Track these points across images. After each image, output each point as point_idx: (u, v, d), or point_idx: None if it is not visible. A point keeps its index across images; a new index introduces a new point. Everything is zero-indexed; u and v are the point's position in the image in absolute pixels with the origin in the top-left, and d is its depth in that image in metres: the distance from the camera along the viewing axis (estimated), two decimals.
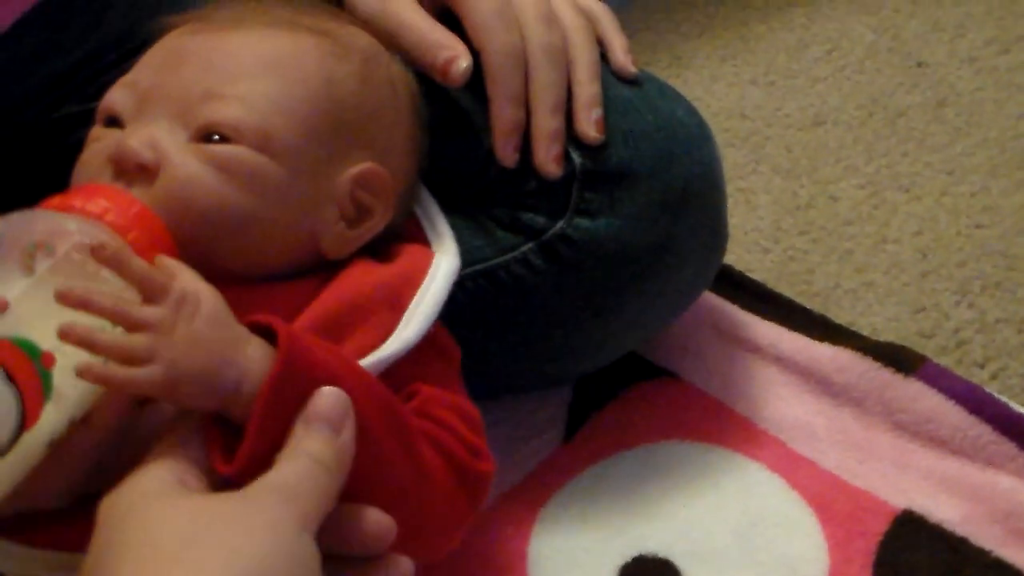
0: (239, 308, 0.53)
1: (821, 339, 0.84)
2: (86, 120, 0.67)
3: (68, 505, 0.53)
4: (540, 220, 0.72)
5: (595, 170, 0.70)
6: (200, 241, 0.57)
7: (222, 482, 0.50)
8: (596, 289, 0.72)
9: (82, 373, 0.49)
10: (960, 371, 0.85)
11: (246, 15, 0.63)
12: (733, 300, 0.88)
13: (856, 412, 0.81)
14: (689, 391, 0.83)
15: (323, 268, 0.62)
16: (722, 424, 0.81)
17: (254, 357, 0.51)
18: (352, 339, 0.58)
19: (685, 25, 1.28)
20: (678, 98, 0.75)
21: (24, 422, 0.48)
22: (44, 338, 0.50)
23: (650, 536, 0.74)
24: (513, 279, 0.73)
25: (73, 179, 0.61)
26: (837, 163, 1.07)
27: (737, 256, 0.97)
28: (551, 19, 0.70)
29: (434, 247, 0.66)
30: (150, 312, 0.51)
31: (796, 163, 1.07)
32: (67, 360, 0.50)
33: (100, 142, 0.60)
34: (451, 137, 0.72)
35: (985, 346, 0.88)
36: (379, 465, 0.53)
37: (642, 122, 0.72)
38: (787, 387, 0.83)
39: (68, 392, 0.51)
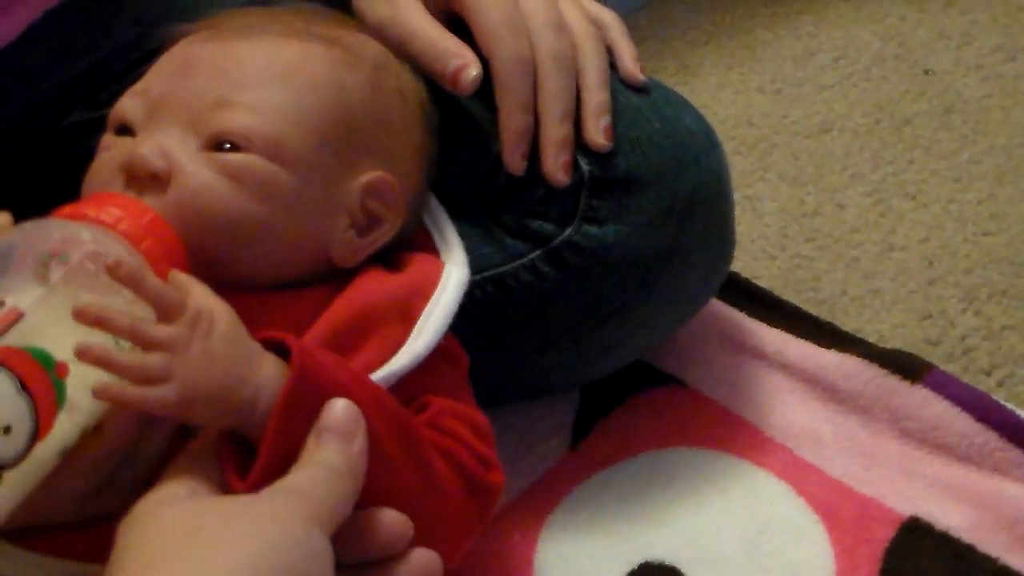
0: (250, 317, 0.54)
1: (828, 346, 0.84)
2: (96, 127, 0.67)
3: (78, 515, 0.53)
4: (548, 227, 0.72)
5: (603, 177, 0.71)
6: (211, 249, 0.58)
7: None
8: (604, 296, 0.73)
9: (98, 394, 0.50)
10: (967, 378, 0.85)
11: (257, 23, 0.64)
12: (740, 307, 0.89)
13: (863, 419, 0.81)
14: (696, 398, 0.83)
15: (333, 276, 0.62)
16: (729, 431, 0.81)
17: (268, 375, 0.52)
18: (363, 350, 0.58)
19: (692, 33, 1.28)
20: (685, 106, 0.76)
21: (38, 432, 0.49)
22: (58, 348, 0.50)
23: (657, 543, 0.74)
24: (521, 286, 0.73)
25: (84, 187, 0.61)
26: (844, 170, 1.07)
27: (744, 263, 0.97)
28: (560, 26, 0.71)
29: (443, 255, 0.66)
30: (165, 331, 0.51)
31: (803, 170, 1.08)
32: (81, 370, 0.51)
33: (111, 150, 0.61)
34: (460, 144, 0.72)
35: (992, 353, 0.88)
36: (390, 477, 0.54)
37: (650, 130, 0.72)
38: (794, 394, 0.83)
39: (81, 402, 0.51)
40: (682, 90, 1.19)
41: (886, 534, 0.74)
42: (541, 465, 0.79)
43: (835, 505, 0.76)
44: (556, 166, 0.70)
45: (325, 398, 0.52)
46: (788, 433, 0.81)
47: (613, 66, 0.74)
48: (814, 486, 0.77)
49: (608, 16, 0.76)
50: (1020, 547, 0.73)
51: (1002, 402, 0.80)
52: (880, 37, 1.23)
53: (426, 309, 0.60)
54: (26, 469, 0.49)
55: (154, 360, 0.50)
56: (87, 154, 0.64)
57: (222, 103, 0.59)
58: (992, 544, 0.73)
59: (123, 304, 0.53)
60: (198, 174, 0.58)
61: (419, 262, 0.64)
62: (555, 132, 0.69)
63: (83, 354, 0.49)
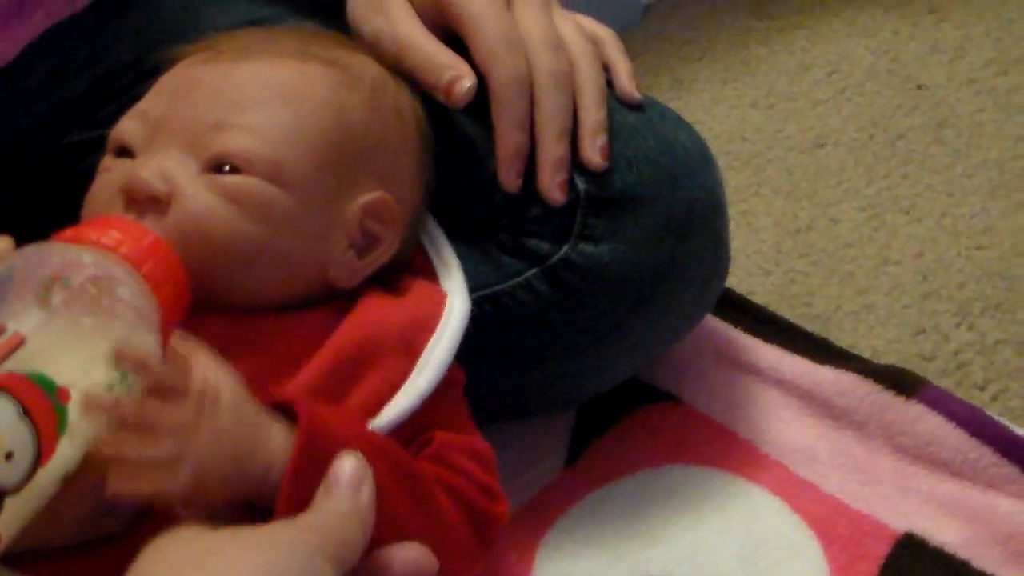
0: (252, 340, 0.54)
1: (822, 362, 0.85)
2: (94, 147, 0.68)
3: (79, 540, 0.54)
4: (544, 246, 0.72)
5: (599, 195, 0.71)
6: (212, 271, 0.58)
7: None
8: (600, 314, 0.73)
9: (114, 490, 0.50)
10: (960, 393, 0.85)
11: (255, 45, 0.64)
12: (735, 323, 0.89)
13: (858, 435, 0.81)
14: (691, 415, 0.84)
15: (333, 298, 0.62)
16: (725, 448, 0.81)
17: (277, 444, 0.53)
18: (366, 381, 0.59)
19: (686, 48, 1.29)
20: (680, 123, 0.76)
21: (40, 457, 0.49)
22: (60, 373, 0.50)
23: (654, 560, 0.74)
24: (518, 305, 0.73)
25: (84, 209, 0.62)
26: (838, 185, 1.08)
27: (739, 279, 0.97)
28: (557, 44, 0.71)
29: (441, 277, 0.66)
30: (173, 416, 0.51)
31: (797, 185, 1.08)
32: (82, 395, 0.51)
33: (111, 172, 0.61)
34: (456, 164, 0.73)
35: (985, 368, 0.88)
36: (395, 523, 0.54)
37: (645, 147, 0.72)
38: (789, 410, 0.83)
39: (82, 427, 0.51)
40: (676, 105, 1.20)
41: (881, 550, 0.74)
42: (538, 483, 0.79)
43: (830, 521, 0.76)
44: (552, 185, 0.70)
45: (332, 457, 0.52)
46: (783, 449, 0.81)
47: (610, 83, 0.74)
48: (809, 503, 0.77)
49: (604, 33, 0.76)
50: (1015, 562, 0.73)
51: (996, 417, 0.80)
52: (873, 52, 1.24)
53: (429, 344, 0.61)
54: (28, 495, 0.49)
55: (164, 448, 0.50)
56: (86, 173, 0.64)
57: (222, 125, 0.59)
58: (987, 560, 0.73)
59: (124, 329, 0.53)
60: (198, 197, 0.58)
61: (420, 289, 0.64)
62: (552, 151, 0.70)
63: (98, 447, 0.50)
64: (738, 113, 1.19)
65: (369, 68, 0.66)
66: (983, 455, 0.78)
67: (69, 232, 0.56)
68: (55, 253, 0.54)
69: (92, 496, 0.53)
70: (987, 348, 0.90)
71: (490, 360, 0.74)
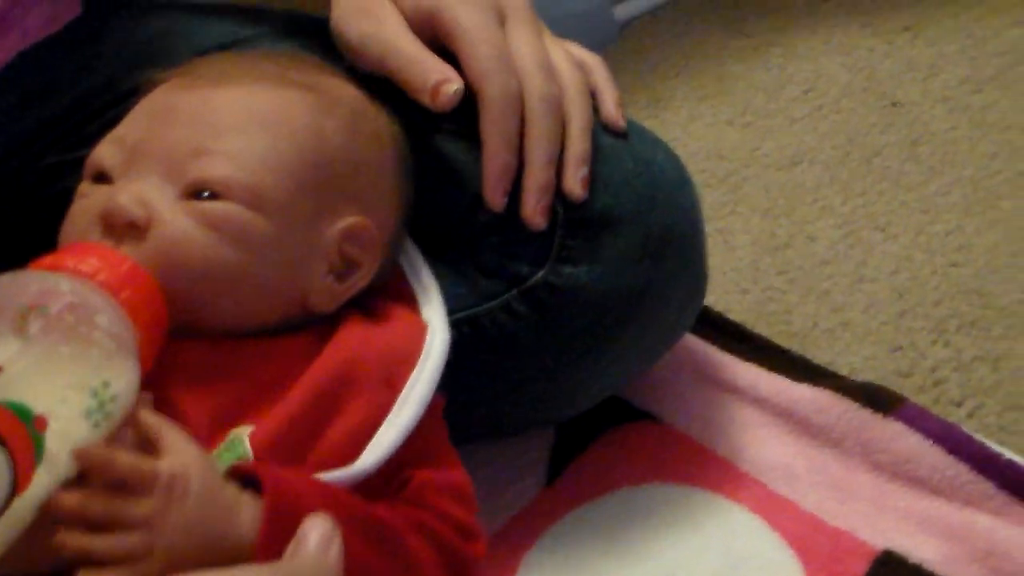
0: (232, 366, 0.54)
1: (800, 380, 0.85)
2: (70, 170, 0.67)
3: (58, 567, 0.53)
4: (523, 268, 0.72)
5: (577, 217, 0.71)
6: (191, 297, 0.58)
7: None
8: (579, 335, 0.73)
9: None
10: (937, 410, 0.86)
11: (233, 70, 0.64)
12: (712, 341, 0.89)
13: (836, 453, 0.82)
14: (670, 433, 0.84)
15: (313, 323, 0.62)
16: (703, 466, 0.81)
17: (247, 523, 0.53)
18: (346, 414, 0.59)
19: (662, 66, 1.30)
20: (658, 143, 0.76)
21: (16, 487, 0.49)
22: (37, 401, 0.50)
23: None
24: (496, 326, 0.73)
25: (62, 235, 0.61)
26: (814, 203, 1.08)
27: (716, 297, 0.98)
28: (550, 69, 0.71)
29: (421, 303, 0.66)
30: (141, 509, 0.51)
31: (774, 203, 1.09)
32: (59, 423, 0.51)
33: (89, 198, 0.61)
34: (436, 183, 0.73)
35: (962, 385, 0.89)
36: None
37: (623, 168, 0.72)
38: (767, 428, 0.84)
39: (60, 455, 0.51)
40: (653, 123, 1.21)
41: (860, 568, 0.75)
42: (517, 503, 0.80)
43: (809, 539, 0.77)
44: (536, 210, 0.70)
45: (299, 522, 0.53)
46: (762, 467, 0.81)
47: (596, 110, 0.74)
48: (788, 520, 0.78)
49: (592, 60, 0.76)
50: None
51: (972, 434, 0.81)
52: (849, 69, 1.25)
53: (410, 380, 0.61)
54: (4, 524, 0.49)
55: (133, 540, 0.51)
56: (62, 195, 0.64)
57: (200, 151, 0.59)
58: None
59: (102, 357, 0.53)
60: (176, 223, 0.58)
61: (400, 318, 0.64)
62: (539, 176, 0.69)
63: (62, 544, 0.50)
64: (715, 131, 1.19)
65: (347, 92, 0.66)
66: (960, 472, 0.78)
67: (47, 260, 0.56)
68: (32, 281, 0.54)
69: None
70: (963, 365, 0.90)
71: (468, 381, 0.74)
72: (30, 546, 0.51)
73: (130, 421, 0.54)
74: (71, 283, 0.54)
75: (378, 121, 0.67)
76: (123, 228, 0.58)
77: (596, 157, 0.72)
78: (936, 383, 0.89)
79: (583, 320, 0.73)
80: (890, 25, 1.30)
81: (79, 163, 0.65)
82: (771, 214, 1.07)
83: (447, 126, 0.73)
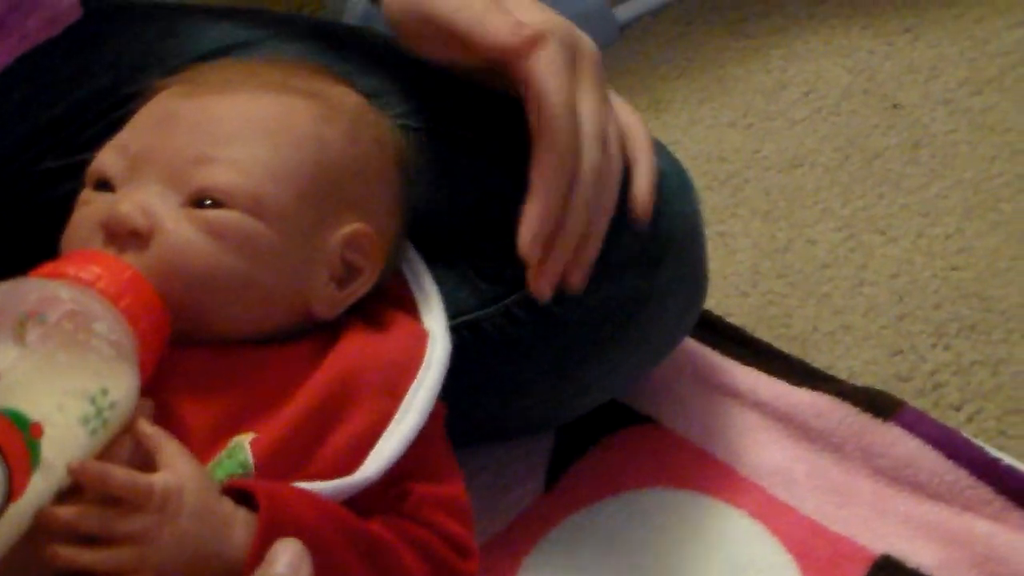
0: (235, 374, 0.54)
1: (800, 384, 0.85)
2: (69, 174, 0.68)
3: None
4: (524, 273, 0.72)
5: None
6: (193, 305, 0.58)
7: None
8: (580, 339, 0.73)
9: None
10: (936, 414, 0.86)
11: (235, 77, 0.64)
12: (712, 345, 0.89)
13: (835, 457, 0.82)
14: (670, 438, 0.84)
15: (315, 330, 0.63)
16: (703, 471, 0.81)
17: (240, 539, 0.53)
18: (348, 423, 0.59)
19: (663, 67, 1.30)
20: (659, 150, 0.76)
21: (11, 494, 0.49)
22: (34, 408, 0.50)
23: None
24: (497, 330, 0.73)
25: (64, 243, 0.62)
26: (814, 205, 1.08)
27: (716, 300, 0.98)
28: (607, 142, 0.67)
29: (422, 310, 0.67)
30: (135, 524, 0.51)
31: (774, 206, 1.09)
32: (56, 431, 0.51)
33: (90, 206, 0.61)
34: (438, 189, 0.73)
35: (961, 389, 0.89)
36: None
37: (624, 173, 0.72)
38: (767, 433, 0.84)
39: (56, 462, 0.51)
40: (654, 125, 1.21)
41: (858, 572, 0.75)
42: (516, 507, 0.80)
43: (808, 544, 0.77)
44: (547, 284, 0.67)
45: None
46: (761, 472, 0.81)
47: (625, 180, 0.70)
48: (788, 525, 0.78)
49: (637, 126, 0.72)
50: None
51: (971, 438, 0.81)
52: (849, 71, 1.25)
53: (411, 389, 0.61)
54: (0, 530, 0.49)
55: (125, 554, 0.51)
56: (61, 199, 0.64)
57: (203, 159, 0.60)
58: None
59: (100, 364, 0.53)
60: (180, 231, 0.58)
61: (401, 326, 0.64)
62: (563, 252, 0.66)
63: (55, 555, 0.50)
64: (715, 133, 1.19)
65: (349, 99, 0.66)
66: (959, 477, 0.78)
67: (47, 267, 0.56)
68: (32, 289, 0.54)
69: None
70: (963, 369, 0.90)
71: (469, 386, 0.74)
72: (24, 555, 0.51)
73: (129, 428, 0.54)
74: (70, 291, 0.54)
75: (379, 127, 0.67)
76: (126, 236, 0.58)
77: None
78: (936, 387, 0.89)
79: (584, 325, 0.73)
80: (890, 27, 1.30)
81: (79, 167, 0.65)
82: (771, 217, 1.07)
83: (448, 130, 0.73)
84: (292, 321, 0.62)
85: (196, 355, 0.59)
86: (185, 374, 0.58)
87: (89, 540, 0.51)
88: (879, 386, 0.87)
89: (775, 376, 0.86)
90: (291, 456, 0.57)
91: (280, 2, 1.32)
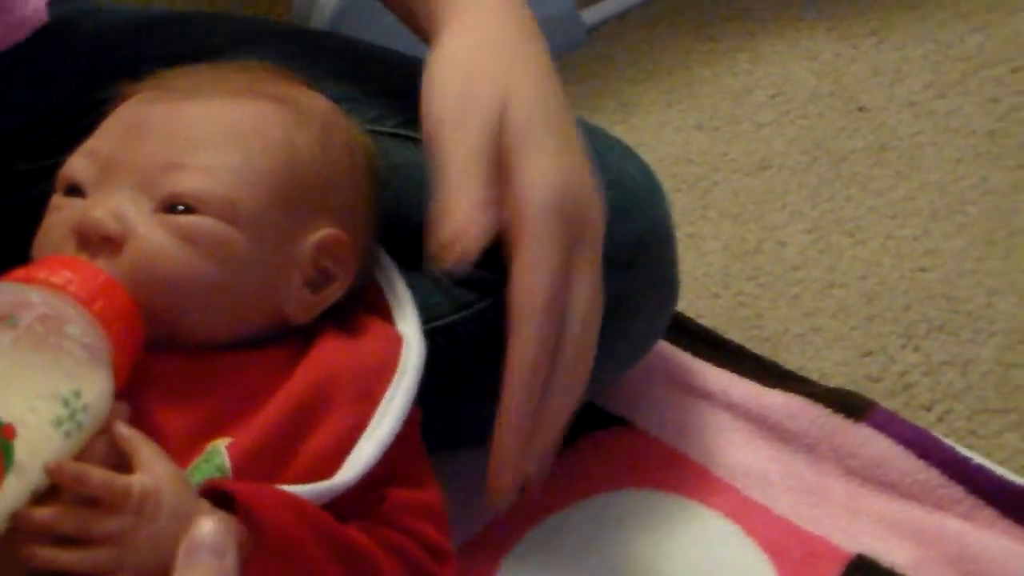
0: (209, 377, 0.54)
1: (772, 385, 0.86)
2: (38, 177, 0.67)
3: None
4: (496, 277, 0.72)
5: None
6: (166, 310, 0.58)
7: None
8: None
9: None
10: (907, 414, 0.87)
11: (205, 83, 0.64)
12: (684, 347, 0.90)
13: (808, 458, 0.82)
14: (644, 439, 0.84)
15: (290, 335, 0.62)
16: (677, 472, 0.82)
17: None
18: (324, 427, 0.59)
19: (631, 71, 1.30)
20: (629, 153, 0.77)
21: None
22: (5, 410, 0.50)
23: None
24: (471, 335, 0.73)
25: (35, 249, 0.61)
26: (783, 208, 1.09)
27: (688, 302, 0.98)
28: (590, 328, 0.62)
29: (396, 315, 0.66)
30: (111, 524, 0.51)
31: (743, 208, 1.09)
32: (29, 432, 0.51)
33: (62, 212, 0.61)
34: (408, 194, 0.73)
35: (931, 389, 0.90)
36: None
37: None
38: (740, 433, 0.84)
39: (30, 464, 0.51)
40: (622, 128, 1.22)
41: (833, 572, 0.75)
42: (492, 510, 0.79)
43: (783, 544, 0.77)
44: (505, 492, 0.63)
45: (275, 544, 0.53)
46: (735, 473, 0.82)
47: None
48: (762, 525, 0.78)
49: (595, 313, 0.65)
50: None
51: (942, 438, 0.81)
52: (816, 74, 1.26)
53: (387, 394, 0.61)
54: None
55: (102, 555, 0.51)
56: (32, 202, 0.64)
57: (174, 165, 0.59)
58: None
59: (73, 366, 0.53)
60: (152, 237, 0.58)
61: (376, 331, 0.64)
62: (530, 454, 0.62)
63: (32, 556, 0.50)
64: (683, 136, 1.20)
65: (319, 104, 0.66)
66: (930, 477, 0.79)
67: (19, 272, 0.56)
68: (3, 293, 0.54)
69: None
70: (932, 369, 0.91)
71: (443, 390, 0.74)
72: (1, 556, 0.51)
73: (104, 430, 0.54)
74: (42, 294, 0.54)
75: (349, 133, 0.67)
76: (98, 242, 0.58)
77: None
78: (905, 387, 0.90)
79: None
80: (855, 30, 1.31)
81: (49, 171, 0.64)
82: (740, 219, 1.08)
83: (417, 136, 0.73)
84: (266, 326, 0.62)
85: (171, 361, 0.58)
86: (160, 380, 0.58)
87: (67, 541, 0.51)
88: (850, 387, 0.88)
89: (747, 377, 0.87)
90: (268, 460, 0.57)
91: (249, 7, 1.32)
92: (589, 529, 0.78)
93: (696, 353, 0.90)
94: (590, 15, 1.36)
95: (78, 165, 0.62)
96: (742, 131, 1.19)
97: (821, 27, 1.32)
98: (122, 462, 0.53)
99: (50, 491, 0.52)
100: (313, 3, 1.21)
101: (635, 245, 0.73)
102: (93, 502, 0.51)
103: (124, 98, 0.65)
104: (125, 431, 0.53)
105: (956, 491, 0.78)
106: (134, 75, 0.69)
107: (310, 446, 0.58)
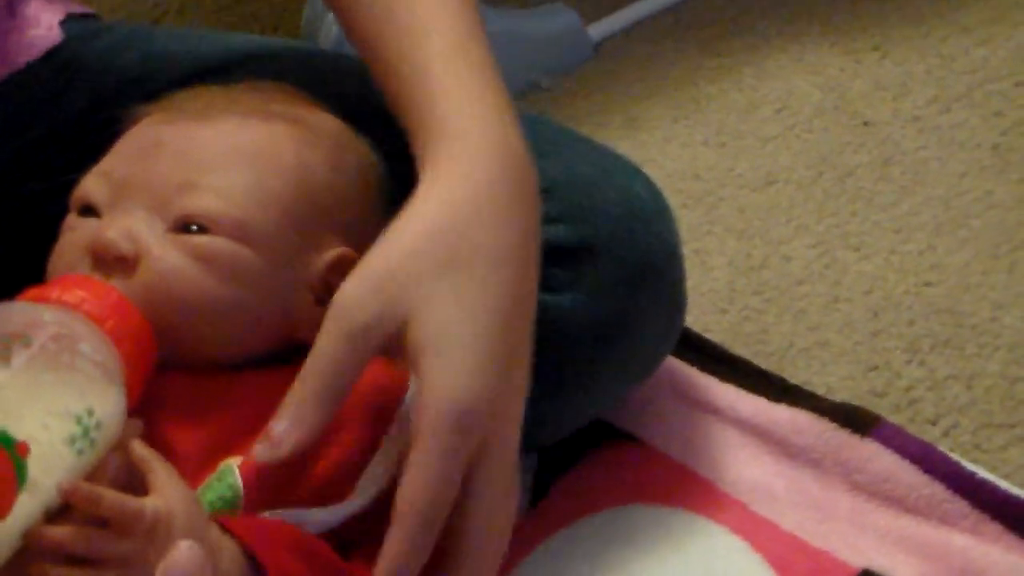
0: (222, 396, 0.55)
1: (778, 400, 0.86)
2: (51, 196, 0.68)
3: None
4: None
5: (557, 246, 0.72)
6: (179, 330, 0.58)
7: None
8: (560, 363, 0.73)
9: None
10: (913, 429, 0.87)
11: (217, 104, 0.65)
12: (691, 362, 0.90)
13: (814, 473, 0.82)
14: (651, 454, 0.84)
15: (301, 353, 0.62)
16: (684, 487, 0.82)
17: (225, 571, 0.53)
18: (336, 445, 0.59)
19: (637, 86, 1.31)
20: (636, 173, 0.77)
21: None
22: (20, 427, 0.51)
23: None
24: None
25: (50, 269, 0.62)
26: (788, 223, 1.09)
27: (694, 317, 0.98)
28: (492, 542, 0.61)
29: None
30: (123, 547, 0.51)
31: (749, 224, 1.10)
32: (42, 449, 0.51)
33: (76, 232, 0.61)
34: None
35: (936, 404, 0.90)
36: None
37: (602, 199, 0.73)
38: (746, 449, 0.85)
39: (43, 481, 0.51)
40: (628, 144, 1.22)
41: None
42: None
43: (789, 559, 0.77)
44: None
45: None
46: (742, 488, 0.82)
47: None
48: (769, 540, 0.78)
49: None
50: None
51: (947, 453, 0.82)
52: (820, 88, 1.26)
53: (399, 413, 0.61)
54: None
55: None
56: (45, 221, 0.64)
57: (187, 185, 0.60)
58: None
59: (86, 383, 0.54)
60: (166, 257, 0.59)
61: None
62: None
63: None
64: (690, 151, 1.20)
65: (330, 124, 0.67)
66: (936, 491, 0.79)
67: (33, 291, 0.56)
68: (17, 312, 0.55)
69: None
70: (937, 384, 0.91)
71: None
72: (13, 573, 0.51)
73: (118, 447, 0.54)
74: (55, 313, 0.55)
75: (360, 152, 0.68)
76: (112, 262, 0.59)
77: (576, 187, 0.73)
78: (911, 402, 0.91)
79: (564, 349, 0.73)
80: (859, 45, 1.31)
81: (61, 189, 0.65)
82: (746, 235, 1.09)
83: None
84: (278, 344, 0.62)
85: (183, 379, 0.59)
86: (172, 398, 0.58)
87: (78, 561, 0.51)
88: (855, 402, 0.88)
89: (754, 392, 0.87)
90: (279, 480, 0.57)
91: (256, 26, 1.33)
92: (596, 544, 0.79)
93: (703, 368, 0.90)
94: (596, 31, 1.37)
95: (92, 186, 0.62)
96: (748, 146, 1.20)
97: (825, 42, 1.32)
98: (135, 481, 0.54)
99: (62, 509, 0.52)
100: (320, 22, 1.22)
101: (642, 263, 0.73)
102: (106, 523, 0.52)
103: (137, 120, 0.66)
104: (141, 451, 0.54)
105: (961, 505, 0.78)
106: (145, 94, 0.70)
107: (321, 467, 0.58)
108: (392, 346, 0.57)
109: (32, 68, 0.82)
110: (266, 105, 0.65)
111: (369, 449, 0.60)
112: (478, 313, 0.57)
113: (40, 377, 0.53)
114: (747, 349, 0.96)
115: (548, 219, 0.72)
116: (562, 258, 0.72)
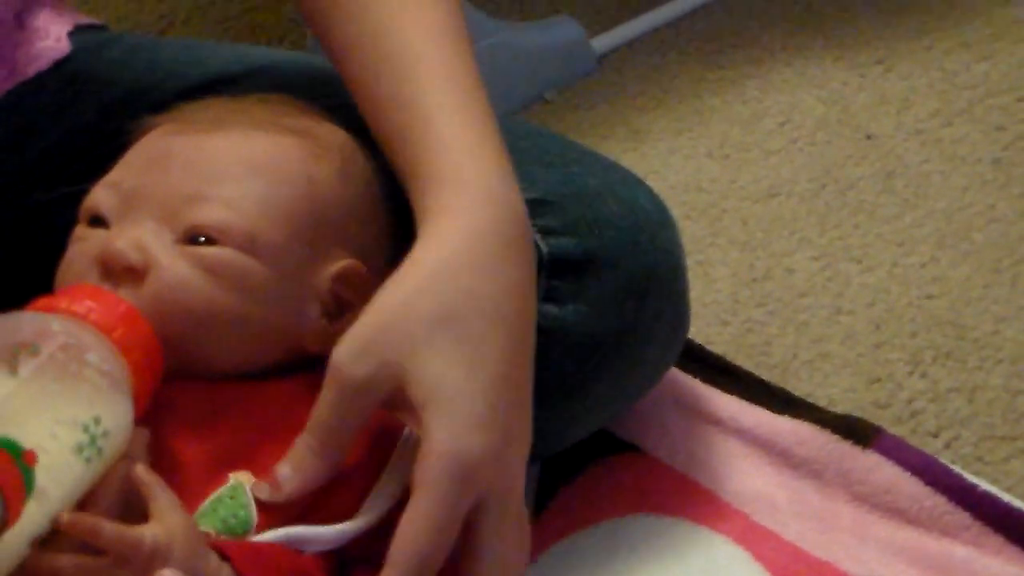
0: (230, 407, 0.55)
1: (781, 412, 0.86)
2: (59, 207, 0.68)
3: None
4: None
5: (562, 258, 0.72)
6: (187, 341, 0.59)
7: None
8: (564, 375, 0.74)
9: None
10: (915, 441, 0.87)
11: (226, 116, 0.65)
12: (694, 373, 0.90)
13: (816, 484, 0.83)
14: (654, 465, 0.85)
15: (306, 363, 0.63)
16: (687, 497, 0.82)
17: None
18: (345, 462, 0.59)
19: (641, 99, 1.31)
20: (640, 185, 0.78)
21: (5, 521, 0.49)
22: (27, 436, 0.51)
23: None
24: None
25: (58, 279, 0.62)
26: (791, 235, 1.10)
27: (697, 329, 0.98)
28: None
29: None
30: None
31: (752, 235, 1.10)
32: (50, 458, 0.52)
33: (85, 242, 0.62)
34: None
35: (938, 416, 0.90)
36: None
37: (607, 211, 0.73)
38: (748, 460, 0.85)
39: (51, 489, 0.52)
40: (632, 156, 1.23)
41: None
42: None
43: (791, 569, 0.77)
44: None
45: None
46: (744, 498, 0.82)
47: None
48: (771, 551, 0.79)
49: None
50: None
51: (949, 465, 0.82)
52: (824, 102, 1.27)
53: (406, 431, 0.61)
54: None
55: None
56: (52, 231, 0.65)
57: (196, 197, 0.61)
58: None
59: (93, 393, 0.54)
60: (174, 268, 0.59)
61: None
62: None
63: None
64: (693, 163, 1.21)
65: (338, 137, 0.67)
66: (938, 503, 0.79)
67: (41, 301, 0.57)
68: (25, 322, 0.55)
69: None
70: (939, 396, 0.92)
71: None
72: None
73: (125, 456, 0.54)
74: (62, 323, 0.55)
75: (366, 164, 0.68)
76: (120, 273, 0.59)
77: (580, 199, 0.73)
78: (913, 414, 0.91)
79: (569, 360, 0.73)
80: (863, 58, 1.32)
81: (69, 200, 0.66)
82: (749, 246, 1.09)
83: None
84: (285, 356, 0.63)
85: (190, 390, 0.59)
86: (180, 408, 0.59)
87: None
88: (857, 413, 0.88)
89: (756, 404, 0.87)
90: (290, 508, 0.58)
91: (263, 37, 1.33)
92: (599, 555, 0.79)
93: (705, 379, 0.90)
94: (600, 43, 1.37)
95: (101, 196, 0.63)
96: (751, 159, 1.20)
97: (829, 56, 1.33)
98: (138, 503, 0.54)
99: None
100: None
101: (646, 275, 0.74)
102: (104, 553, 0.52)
103: (146, 130, 0.66)
104: (143, 476, 0.54)
105: (963, 517, 0.79)
106: (152, 105, 0.71)
107: (330, 483, 0.58)
108: (393, 401, 0.58)
109: (41, 79, 0.82)
110: (275, 117, 0.66)
111: (376, 465, 0.60)
112: (476, 368, 0.58)
113: (48, 386, 0.53)
114: (750, 361, 0.96)
115: (552, 231, 0.73)
116: (566, 270, 0.72)
